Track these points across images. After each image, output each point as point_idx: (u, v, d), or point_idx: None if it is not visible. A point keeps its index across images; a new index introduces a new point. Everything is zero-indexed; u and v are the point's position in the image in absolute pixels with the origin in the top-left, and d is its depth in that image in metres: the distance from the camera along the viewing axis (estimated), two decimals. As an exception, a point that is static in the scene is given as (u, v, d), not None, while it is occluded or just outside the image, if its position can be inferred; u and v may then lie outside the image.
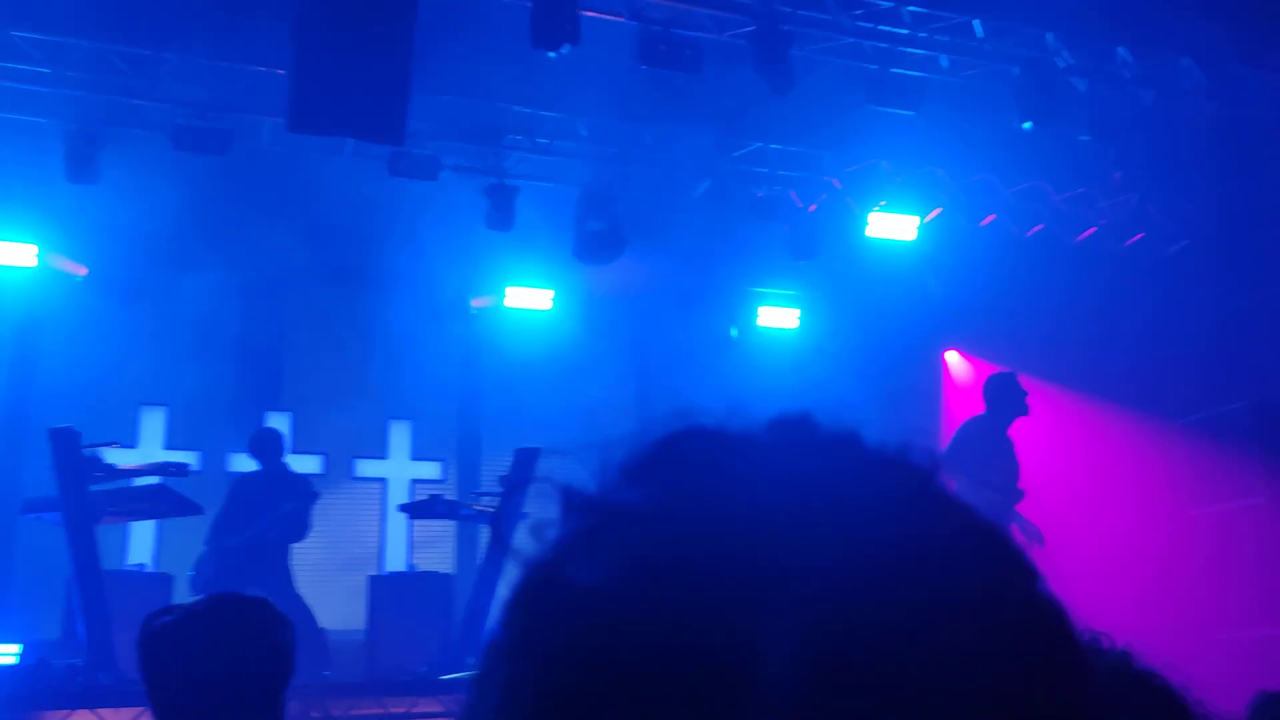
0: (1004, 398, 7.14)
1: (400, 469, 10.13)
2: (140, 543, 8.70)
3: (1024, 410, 7.08)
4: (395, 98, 6.48)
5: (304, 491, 7.84)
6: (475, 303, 10.38)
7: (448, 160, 9.18)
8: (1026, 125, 8.36)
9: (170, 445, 9.25)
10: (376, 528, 9.79)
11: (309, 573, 7.82)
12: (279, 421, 9.26)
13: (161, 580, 7.78)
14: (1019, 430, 7.19)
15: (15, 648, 7.06)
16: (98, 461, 7.08)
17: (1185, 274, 10.18)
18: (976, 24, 8.24)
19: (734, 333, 11.11)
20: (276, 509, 7.59)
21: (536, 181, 9.69)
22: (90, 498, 6.96)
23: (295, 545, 7.74)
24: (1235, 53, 8.64)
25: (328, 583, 8.16)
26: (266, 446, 7.90)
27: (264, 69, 8.16)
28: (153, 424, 9.29)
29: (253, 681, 2.25)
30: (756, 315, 11.24)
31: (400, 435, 10.21)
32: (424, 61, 6.93)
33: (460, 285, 10.18)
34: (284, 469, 7.92)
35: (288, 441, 8.27)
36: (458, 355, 9.94)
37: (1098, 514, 9.57)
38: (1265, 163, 9.23)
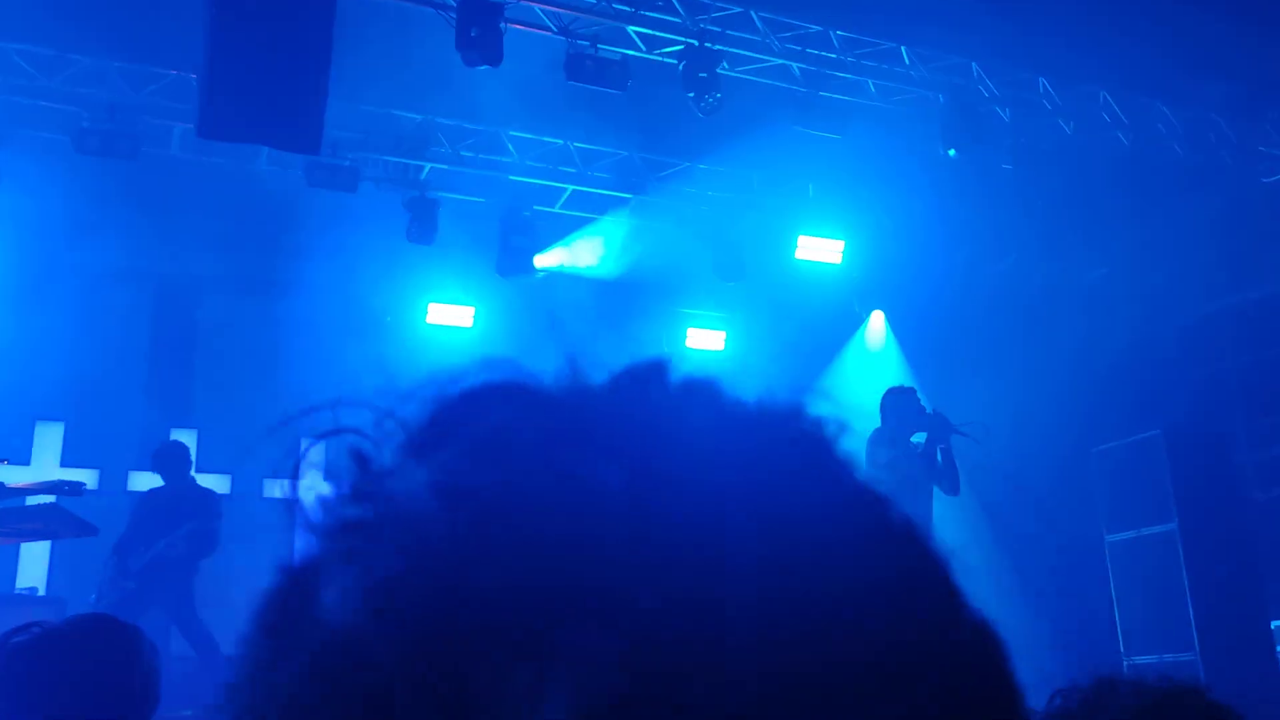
0: (900, 411, 7.17)
1: (313, 489, 9.81)
2: (31, 565, 8.28)
3: (921, 424, 7.11)
4: (312, 105, 6.25)
5: (210, 507, 7.55)
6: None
7: (368, 171, 8.96)
8: (951, 152, 8.43)
9: (66, 463, 8.82)
10: (287, 550, 9.45)
11: (214, 596, 7.49)
12: (185, 438, 8.91)
13: (54, 604, 7.39)
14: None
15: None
16: (-13, 479, 6.71)
17: (1100, 301, 10.37)
18: (904, 50, 8.30)
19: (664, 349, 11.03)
20: (181, 526, 7.29)
21: (459, 195, 9.51)
22: (-22, 518, 6.58)
23: (202, 566, 7.44)
24: (1150, 86, 8.85)
25: (233, 607, 7.82)
26: (170, 461, 7.59)
27: (175, 72, 7.88)
28: (48, 440, 8.86)
29: (113, 709, 2.08)
30: (685, 336, 11.18)
31: (312, 455, 9.89)
32: (345, 70, 6.73)
33: (379, 300, 9.93)
34: (190, 484, 7.62)
35: (194, 458, 7.95)
36: (375, 373, 9.67)
37: (1013, 537, 9.66)
38: (1178, 193, 9.46)
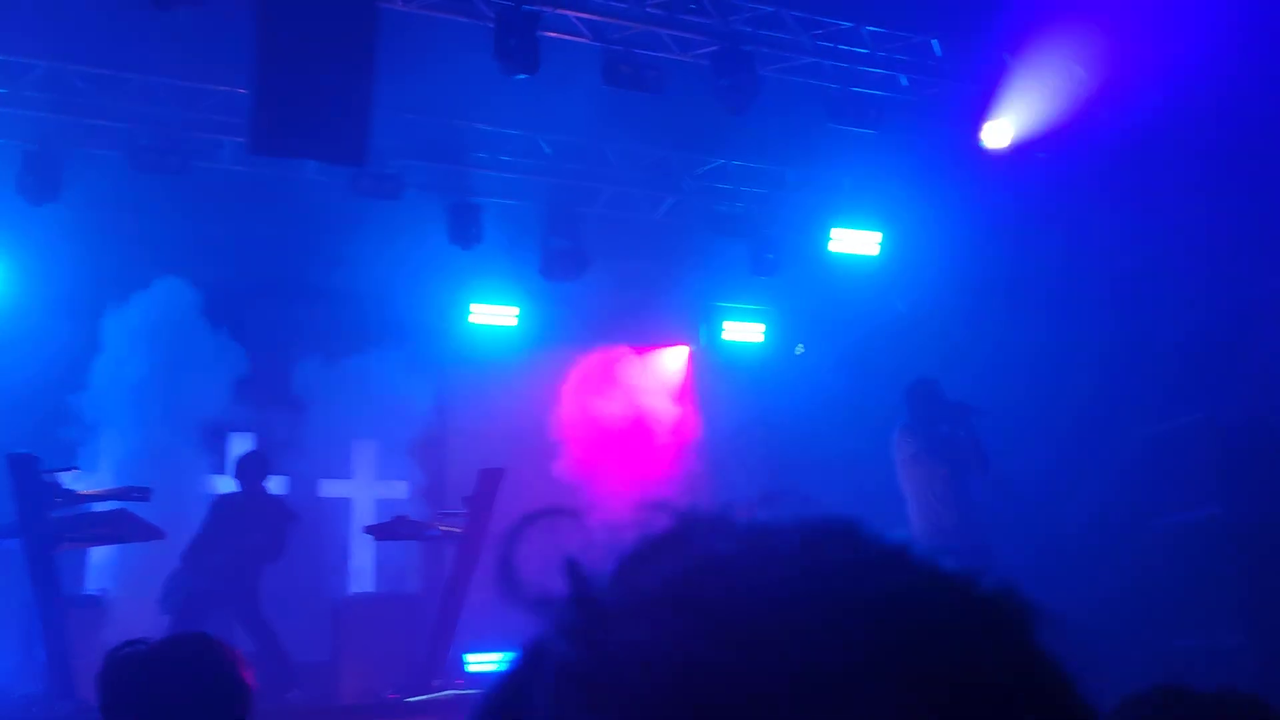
0: (922, 404, 7.28)
1: (365, 489, 10.07)
2: (100, 568, 8.59)
3: (944, 413, 7.21)
4: (357, 119, 6.47)
5: (281, 514, 7.82)
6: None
7: (411, 179, 9.17)
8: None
9: (133, 470, 9.12)
10: (342, 549, 9.72)
11: (274, 595, 7.75)
12: (242, 442, 9.20)
13: (123, 606, 7.68)
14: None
15: (-27, 676, 6.96)
16: (57, 487, 7.00)
17: (1144, 286, 10.33)
18: (935, 43, 8.35)
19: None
20: (252, 531, 7.56)
21: (500, 199, 9.71)
22: (50, 523, 6.87)
23: (262, 576, 7.70)
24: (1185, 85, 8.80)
25: (293, 605, 8.08)
26: (248, 467, 7.89)
27: (225, 89, 8.13)
28: (116, 448, 9.16)
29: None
30: (721, 330, 11.32)
31: (365, 454, 10.15)
32: (387, 80, 6.93)
33: (425, 303, 10.15)
34: (261, 490, 7.90)
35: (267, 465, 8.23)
36: (423, 373, 9.91)
37: (1059, 522, 9.68)
38: (1224, 177, 9.40)
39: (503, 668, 0.50)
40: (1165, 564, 8.48)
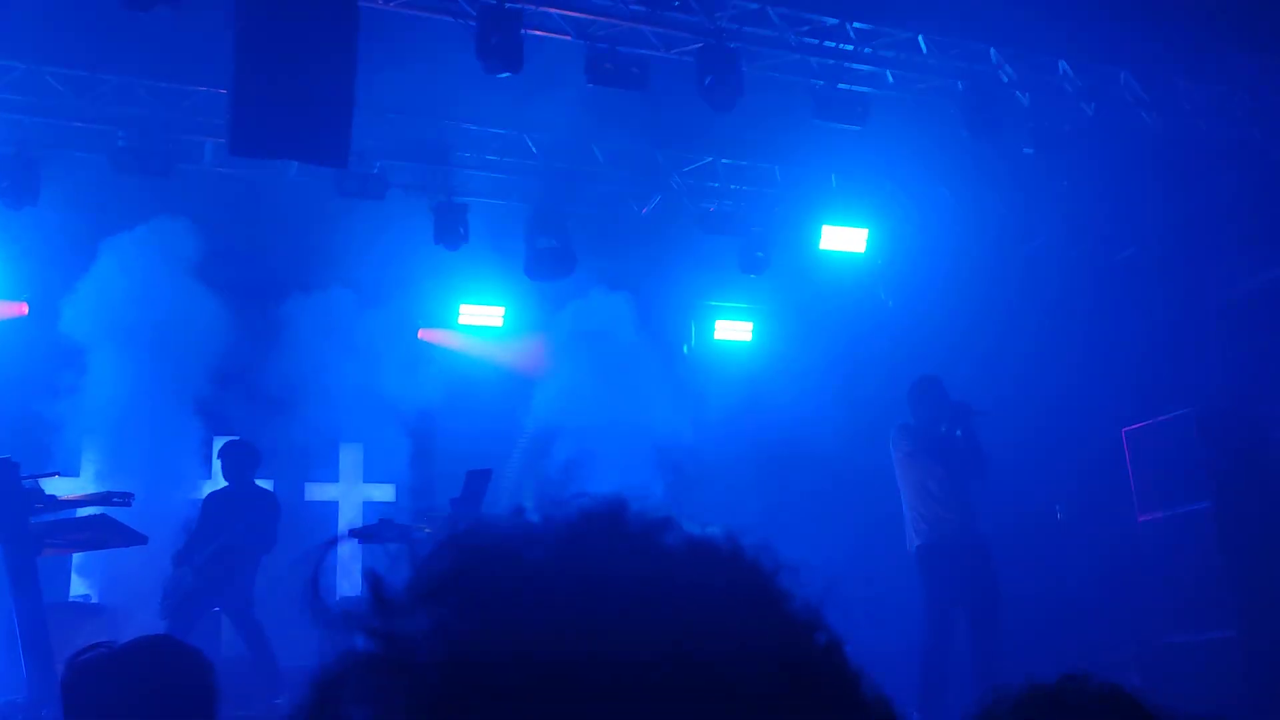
0: (921, 403, 7.24)
1: (352, 491, 10.00)
2: (84, 574, 8.51)
3: (949, 412, 7.17)
4: (338, 120, 6.39)
5: (269, 505, 7.78)
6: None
7: (396, 179, 9.11)
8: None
9: (114, 474, 9.05)
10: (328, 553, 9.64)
11: (259, 598, 7.69)
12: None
13: (106, 611, 7.61)
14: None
15: (-46, 685, 6.88)
16: (39, 492, 6.92)
17: (1129, 282, 10.33)
18: (921, 40, 8.32)
19: (686, 349, 11.13)
20: (241, 525, 7.51)
21: (486, 199, 9.65)
22: (31, 529, 6.79)
23: (257, 570, 7.64)
24: (1173, 65, 8.80)
25: (279, 608, 8.02)
26: (233, 460, 7.79)
27: (205, 89, 8.05)
28: (96, 453, 9.09)
29: None
30: (712, 329, 11.27)
31: (351, 457, 10.09)
32: (370, 80, 6.87)
33: (411, 304, 10.09)
34: (249, 484, 7.84)
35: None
36: (409, 376, 9.85)
37: (1047, 519, 9.67)
38: (1204, 172, 9.40)
39: (317, 671, 0.55)
40: (1154, 559, 8.48)
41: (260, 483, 8.31)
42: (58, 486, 7.36)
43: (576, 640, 0.49)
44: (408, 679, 0.49)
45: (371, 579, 0.54)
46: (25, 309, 9.00)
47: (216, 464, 8.18)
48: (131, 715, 2.18)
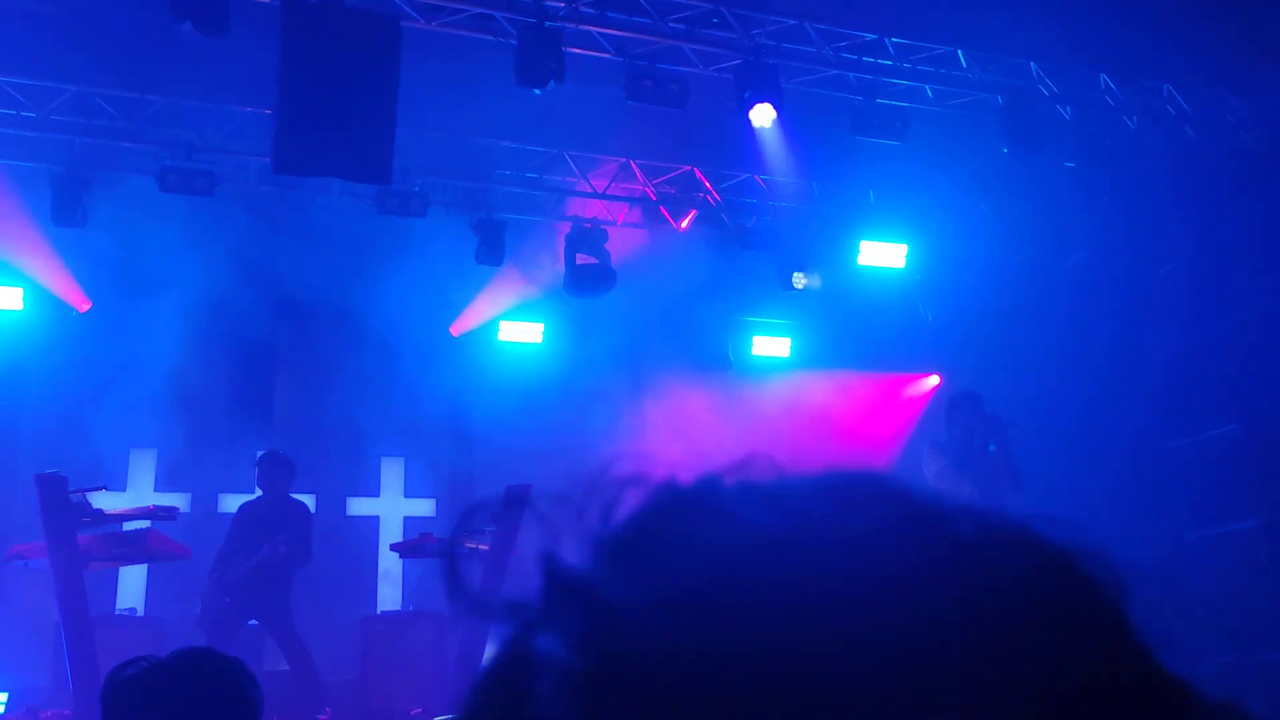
0: (957, 419, 7.19)
1: (393, 507, 10.07)
2: (129, 587, 8.62)
3: (978, 428, 7.12)
4: (381, 138, 6.48)
5: (302, 518, 7.82)
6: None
7: (436, 196, 9.19)
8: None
9: (160, 488, 9.18)
10: (370, 567, 9.72)
11: (301, 612, 7.75)
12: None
13: (152, 624, 7.70)
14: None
15: (3, 696, 6.98)
16: (86, 506, 7.02)
17: (1172, 296, 10.20)
18: (960, 54, 8.29)
19: (728, 363, 11.12)
20: (276, 538, 7.54)
21: (526, 216, 9.71)
22: (78, 543, 6.89)
23: (292, 583, 7.69)
24: (1216, 78, 8.72)
25: (320, 623, 8.08)
26: (269, 471, 7.80)
27: (250, 109, 8.18)
28: (142, 467, 9.22)
29: None
30: (751, 344, 11.26)
31: (392, 473, 10.16)
32: (411, 98, 6.95)
33: (451, 319, 10.16)
34: (284, 498, 7.88)
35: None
36: (449, 391, 9.91)
37: (1093, 535, 9.52)
38: (1246, 185, 9.28)
39: (483, 680, 0.45)
40: (1203, 578, 8.35)
41: (302, 498, 8.39)
42: (104, 500, 7.47)
43: (851, 631, 0.40)
44: (638, 706, 0.40)
45: (556, 568, 0.45)
46: (88, 305, 9.17)
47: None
48: None
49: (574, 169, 9.50)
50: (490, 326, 10.30)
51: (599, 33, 7.51)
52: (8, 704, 6.90)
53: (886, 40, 8.09)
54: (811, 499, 0.45)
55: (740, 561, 0.42)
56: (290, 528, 7.65)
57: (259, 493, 7.86)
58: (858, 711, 0.38)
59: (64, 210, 8.37)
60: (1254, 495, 8.02)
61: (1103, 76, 8.70)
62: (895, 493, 0.46)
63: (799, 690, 0.39)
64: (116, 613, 8.23)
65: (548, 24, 7.06)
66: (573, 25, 7.29)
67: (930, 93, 8.42)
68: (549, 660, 0.42)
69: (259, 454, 7.99)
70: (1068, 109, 8.66)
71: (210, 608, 7.29)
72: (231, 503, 8.97)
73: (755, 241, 9.93)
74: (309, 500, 9.27)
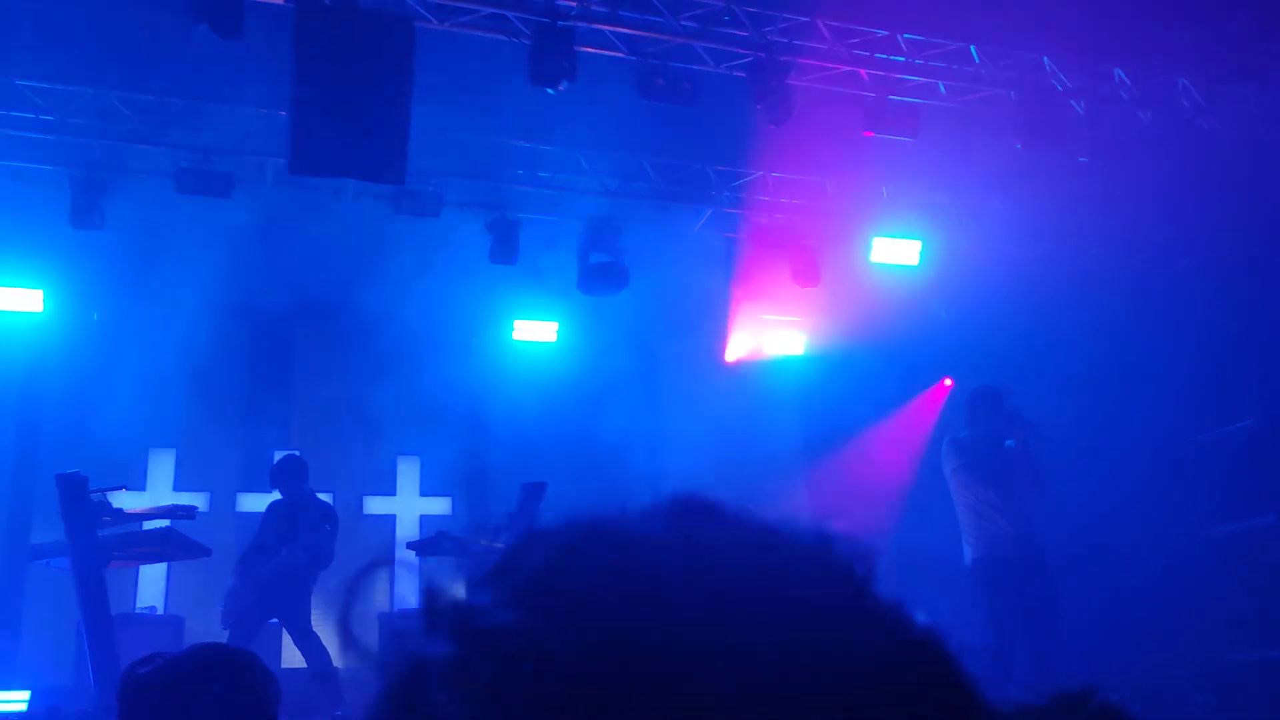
0: (978, 415, 7.17)
1: (409, 505, 10.11)
2: (150, 586, 8.69)
3: (998, 424, 7.09)
4: (395, 138, 6.52)
5: (327, 517, 7.86)
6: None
7: (450, 196, 9.23)
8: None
9: (179, 487, 9.25)
10: (386, 565, 9.76)
11: (318, 610, 7.80)
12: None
13: (172, 623, 7.76)
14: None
15: (25, 694, 7.05)
16: (106, 506, 7.07)
17: (1188, 291, 10.15)
18: (973, 49, 8.27)
19: (742, 353, 11.10)
20: (300, 536, 7.60)
21: (539, 215, 9.74)
22: (98, 542, 6.94)
23: (314, 582, 7.73)
24: (1231, 71, 8.67)
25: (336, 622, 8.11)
26: (287, 475, 7.90)
27: (266, 111, 8.23)
28: (161, 466, 9.30)
29: None
30: (764, 341, 11.26)
31: (408, 471, 10.20)
32: (425, 98, 6.98)
33: (466, 320, 10.20)
34: (307, 496, 7.92)
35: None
36: (465, 390, 9.95)
37: (1110, 534, 9.51)
38: (1264, 179, 9.23)
39: (382, 685, 0.51)
40: (1220, 575, 8.31)
41: (320, 496, 8.44)
42: (124, 500, 7.53)
43: (692, 632, 0.45)
44: (488, 682, 0.45)
45: (431, 592, 0.51)
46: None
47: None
48: None
49: (587, 168, 9.52)
50: (505, 325, 10.33)
51: (611, 31, 7.53)
52: (30, 702, 6.96)
53: (899, 36, 8.08)
54: (641, 519, 0.51)
55: (611, 583, 0.47)
56: (314, 527, 7.70)
57: (278, 493, 7.93)
58: (706, 706, 0.43)
59: (82, 213, 8.45)
60: (1273, 490, 7.97)
61: (1117, 70, 8.66)
62: (719, 513, 0.52)
63: (652, 692, 0.44)
64: (137, 611, 8.29)
65: (560, 23, 7.09)
66: (585, 24, 7.31)
67: (943, 88, 8.41)
68: (443, 669, 0.47)
69: (278, 458, 8.05)
70: (1081, 103, 8.63)
71: (233, 606, 7.35)
72: (249, 502, 9.05)
73: (768, 239, 9.93)
74: (324, 499, 9.33)
